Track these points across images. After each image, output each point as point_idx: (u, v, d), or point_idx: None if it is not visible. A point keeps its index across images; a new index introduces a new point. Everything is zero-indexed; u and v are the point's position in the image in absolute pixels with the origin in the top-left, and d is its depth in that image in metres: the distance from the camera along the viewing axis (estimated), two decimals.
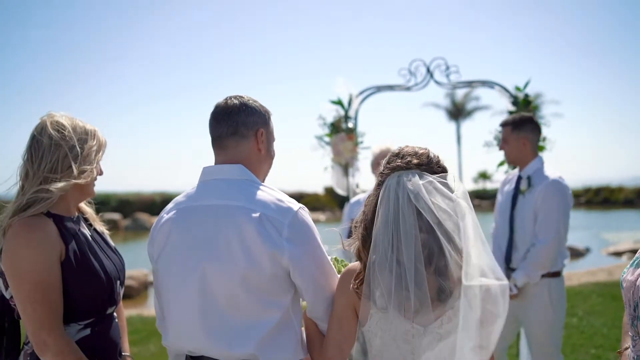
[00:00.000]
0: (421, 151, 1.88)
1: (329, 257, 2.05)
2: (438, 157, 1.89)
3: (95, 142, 2.28)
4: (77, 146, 2.20)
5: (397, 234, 1.73)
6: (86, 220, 2.41)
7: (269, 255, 1.87)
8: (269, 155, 2.17)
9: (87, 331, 2.19)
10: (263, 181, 2.13)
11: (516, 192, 4.04)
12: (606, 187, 44.31)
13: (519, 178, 4.06)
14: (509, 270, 4.06)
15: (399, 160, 1.85)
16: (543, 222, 3.83)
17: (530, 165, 4.02)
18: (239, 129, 2.06)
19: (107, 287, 2.23)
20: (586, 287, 9.25)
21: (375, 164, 4.37)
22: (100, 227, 2.50)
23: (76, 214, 2.33)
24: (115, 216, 32.79)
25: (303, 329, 2.10)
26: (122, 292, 2.39)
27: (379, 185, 1.87)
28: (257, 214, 1.90)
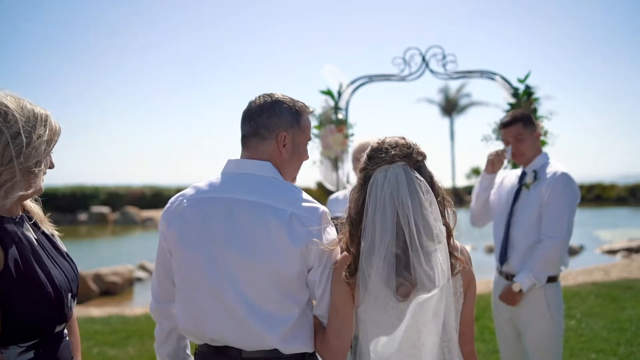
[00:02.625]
0: (402, 142, 1.96)
1: None
2: (416, 144, 1.98)
3: (45, 130, 1.91)
4: (23, 134, 1.83)
5: (386, 226, 1.85)
6: (32, 220, 2.05)
7: (298, 253, 1.92)
8: (294, 158, 2.14)
9: (31, 354, 1.86)
10: (291, 182, 2.15)
11: (520, 187, 3.76)
12: (599, 184, 44.24)
13: (524, 173, 3.80)
14: (501, 274, 3.80)
15: (383, 154, 1.92)
16: (553, 216, 3.56)
17: (536, 160, 3.76)
18: (260, 130, 2.07)
19: (55, 301, 1.88)
20: (583, 287, 9.00)
21: (355, 160, 4.06)
22: (50, 229, 2.13)
23: (20, 213, 1.98)
24: (104, 209, 32.47)
25: None
26: (74, 305, 2.06)
27: (365, 180, 1.95)
28: (287, 214, 1.93)
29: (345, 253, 2.00)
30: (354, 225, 1.95)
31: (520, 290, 3.57)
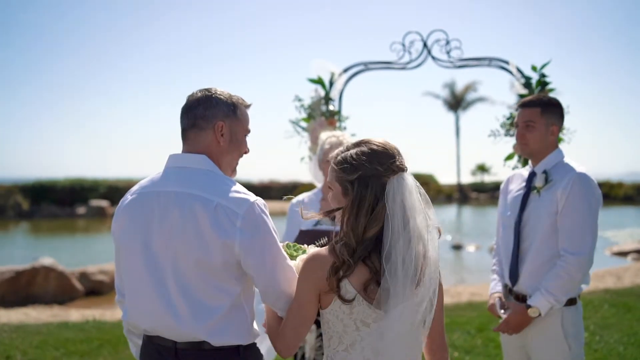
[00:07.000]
0: (397, 147, 1.98)
1: (281, 244, 2.11)
2: None
3: None
4: None
5: (399, 232, 1.83)
6: None
7: (221, 244, 1.96)
8: (232, 148, 2.18)
9: None
10: (231, 173, 2.21)
11: (528, 191, 3.17)
12: (606, 182, 43.51)
13: (532, 174, 3.20)
14: (511, 294, 3.21)
15: (398, 162, 1.91)
16: (573, 228, 2.97)
17: (548, 158, 3.15)
18: (197, 121, 2.14)
19: None
20: (596, 294, 8.41)
21: (324, 161, 3.59)
22: None
23: None
24: (103, 203, 32.07)
25: (263, 307, 2.23)
26: None
27: (377, 186, 1.88)
28: (213, 204, 1.98)
29: (321, 252, 1.93)
30: (355, 230, 1.88)
31: (539, 315, 2.98)
